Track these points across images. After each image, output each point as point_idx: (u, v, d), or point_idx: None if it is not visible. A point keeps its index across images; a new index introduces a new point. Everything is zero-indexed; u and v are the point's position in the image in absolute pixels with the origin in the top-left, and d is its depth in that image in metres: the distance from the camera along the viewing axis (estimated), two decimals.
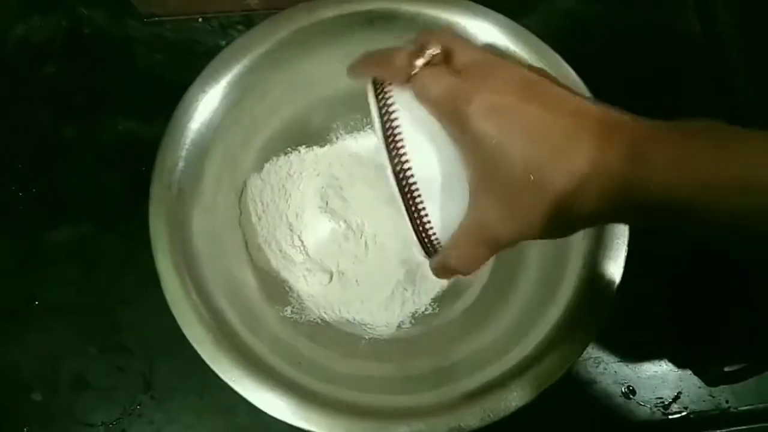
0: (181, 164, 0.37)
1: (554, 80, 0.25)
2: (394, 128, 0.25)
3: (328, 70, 0.39)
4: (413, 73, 0.24)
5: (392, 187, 0.26)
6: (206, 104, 0.38)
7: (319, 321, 0.41)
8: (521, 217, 0.24)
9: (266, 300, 0.40)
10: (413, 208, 0.26)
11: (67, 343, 0.42)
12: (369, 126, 0.45)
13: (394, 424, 0.33)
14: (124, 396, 0.41)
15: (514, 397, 0.33)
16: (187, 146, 0.37)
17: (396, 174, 0.26)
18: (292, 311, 0.41)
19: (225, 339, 0.34)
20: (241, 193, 0.42)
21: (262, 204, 0.42)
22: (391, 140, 0.25)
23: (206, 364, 0.33)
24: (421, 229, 0.27)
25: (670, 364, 0.43)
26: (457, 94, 0.23)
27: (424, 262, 0.42)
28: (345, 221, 0.42)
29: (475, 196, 0.25)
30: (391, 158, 0.25)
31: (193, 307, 0.34)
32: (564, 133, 0.23)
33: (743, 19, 0.50)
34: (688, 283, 0.45)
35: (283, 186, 0.43)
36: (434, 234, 0.27)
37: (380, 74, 0.26)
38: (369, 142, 0.45)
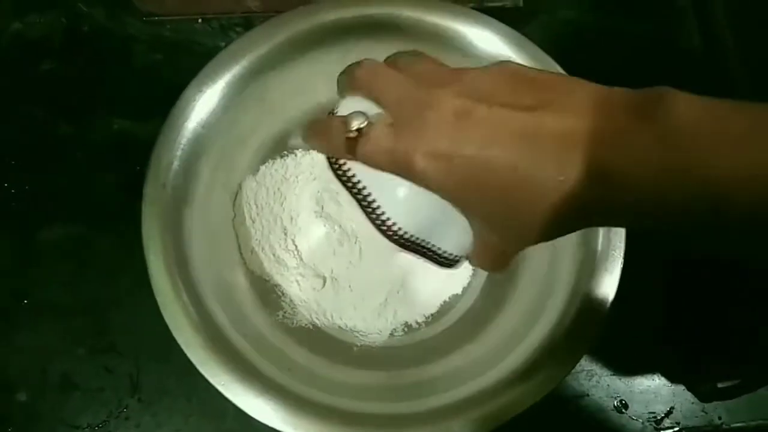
0: (176, 164, 0.37)
1: (499, 80, 0.23)
2: (365, 196, 0.25)
3: (326, 74, 0.38)
4: (354, 146, 0.24)
5: (394, 246, 0.26)
6: (203, 104, 0.38)
7: (311, 327, 0.41)
8: (512, 238, 0.25)
9: (258, 304, 0.40)
10: (425, 250, 0.26)
11: (56, 343, 0.41)
12: None
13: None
14: (111, 398, 0.41)
15: (506, 408, 0.33)
16: (182, 146, 0.37)
17: (390, 238, 0.25)
18: (284, 316, 0.41)
19: (215, 343, 0.33)
20: (236, 195, 0.42)
21: (257, 207, 0.42)
22: (369, 210, 0.25)
23: (195, 368, 0.33)
24: (443, 259, 0.27)
25: (663, 379, 0.43)
26: (398, 158, 0.23)
27: (418, 270, 0.42)
28: (340, 226, 0.42)
29: (469, 222, 0.25)
30: (378, 227, 0.25)
31: (183, 310, 0.34)
32: (515, 165, 0.22)
33: (742, 30, 0.50)
34: (687, 283, 0.45)
35: (278, 189, 0.42)
36: (455, 256, 0.27)
37: (326, 151, 0.26)
38: None
